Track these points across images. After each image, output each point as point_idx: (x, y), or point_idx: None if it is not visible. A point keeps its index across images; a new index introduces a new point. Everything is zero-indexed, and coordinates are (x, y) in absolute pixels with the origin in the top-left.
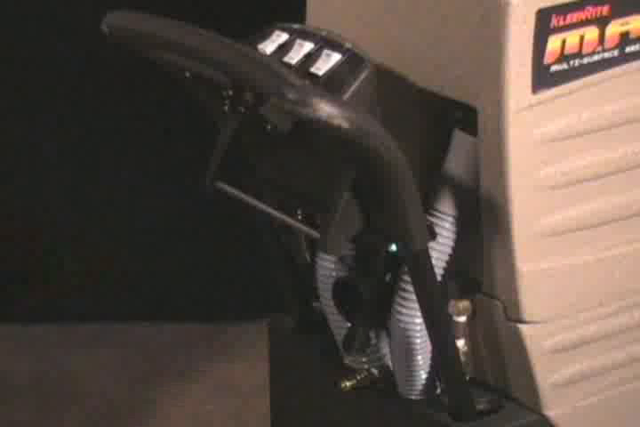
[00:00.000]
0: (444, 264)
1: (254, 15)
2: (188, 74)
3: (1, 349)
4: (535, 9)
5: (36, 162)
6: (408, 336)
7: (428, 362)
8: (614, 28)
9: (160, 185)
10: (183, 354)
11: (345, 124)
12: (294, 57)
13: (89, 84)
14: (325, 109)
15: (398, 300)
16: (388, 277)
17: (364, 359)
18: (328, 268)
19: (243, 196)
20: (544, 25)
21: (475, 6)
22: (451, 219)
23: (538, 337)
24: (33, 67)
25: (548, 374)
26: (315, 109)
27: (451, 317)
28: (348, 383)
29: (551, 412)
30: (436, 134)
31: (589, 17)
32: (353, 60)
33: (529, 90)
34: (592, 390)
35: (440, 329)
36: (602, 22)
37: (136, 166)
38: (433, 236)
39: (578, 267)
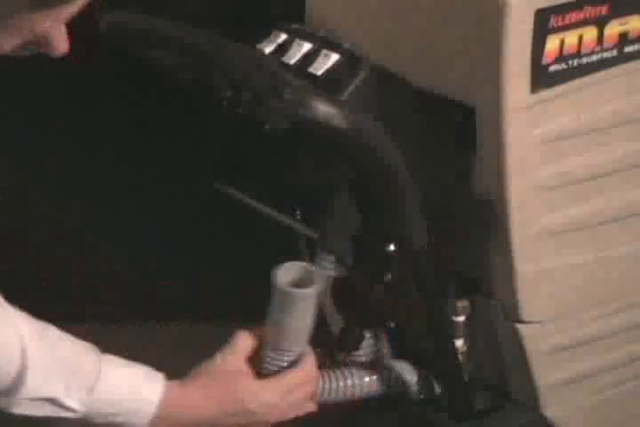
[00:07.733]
0: None
1: (254, 15)
2: (186, 74)
3: None
4: (534, 9)
5: (36, 161)
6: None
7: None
8: (613, 28)
9: (160, 185)
10: (183, 354)
11: (343, 125)
12: (293, 57)
13: (88, 83)
14: (323, 109)
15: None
16: (387, 278)
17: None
18: (328, 268)
19: (242, 196)
20: (543, 25)
21: (474, 6)
22: None
23: (536, 337)
24: (32, 66)
25: (547, 374)
26: (313, 109)
27: (450, 317)
28: None
29: (550, 412)
30: (435, 134)
31: (588, 17)
32: (351, 61)
33: (527, 90)
34: (591, 390)
35: (439, 329)
36: (600, 22)
37: (136, 167)
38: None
39: (577, 267)
